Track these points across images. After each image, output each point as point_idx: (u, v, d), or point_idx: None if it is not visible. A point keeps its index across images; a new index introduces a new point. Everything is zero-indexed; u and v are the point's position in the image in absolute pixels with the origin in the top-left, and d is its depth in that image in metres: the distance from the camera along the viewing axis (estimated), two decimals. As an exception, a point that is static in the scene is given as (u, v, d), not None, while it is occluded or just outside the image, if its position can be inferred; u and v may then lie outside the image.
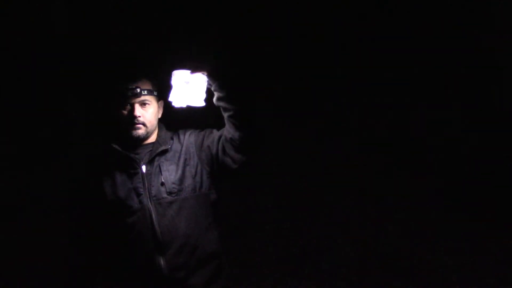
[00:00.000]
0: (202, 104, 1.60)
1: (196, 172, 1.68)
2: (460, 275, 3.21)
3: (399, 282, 3.17)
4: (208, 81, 1.59)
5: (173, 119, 1.78)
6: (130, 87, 1.64)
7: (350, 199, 4.06)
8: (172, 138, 1.74)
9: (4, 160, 3.73)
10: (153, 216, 1.61)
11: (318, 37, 4.00)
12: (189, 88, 1.57)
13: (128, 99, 1.64)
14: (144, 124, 1.66)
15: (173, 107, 1.63)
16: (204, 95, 1.60)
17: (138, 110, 1.65)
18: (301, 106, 4.30)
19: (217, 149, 1.66)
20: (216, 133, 1.70)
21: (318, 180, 4.16)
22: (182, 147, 1.71)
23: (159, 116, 1.75)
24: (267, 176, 4.06)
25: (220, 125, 1.69)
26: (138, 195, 1.63)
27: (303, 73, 4.15)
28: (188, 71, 1.56)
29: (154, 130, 1.73)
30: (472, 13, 4.06)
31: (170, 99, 1.61)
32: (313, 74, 4.20)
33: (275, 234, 3.76)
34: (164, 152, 1.69)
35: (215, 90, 1.59)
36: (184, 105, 1.60)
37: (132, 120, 1.65)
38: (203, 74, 1.57)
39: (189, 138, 1.73)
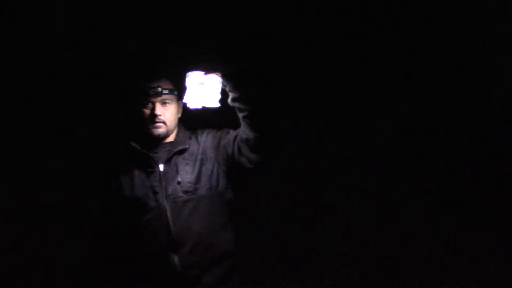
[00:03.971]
0: (217, 105, 1.62)
1: (212, 171, 1.71)
2: (460, 275, 3.21)
3: (399, 282, 3.18)
4: (222, 81, 1.60)
5: (193, 119, 1.81)
6: (152, 86, 1.69)
7: (350, 199, 4.06)
8: (190, 138, 1.78)
9: (6, 160, 3.79)
10: (168, 214, 1.64)
11: (327, 38, 4.05)
12: (204, 89, 1.58)
13: (149, 97, 1.69)
14: (164, 123, 1.71)
15: (188, 108, 1.67)
16: (218, 96, 1.61)
17: (159, 109, 1.70)
18: (301, 106, 4.31)
19: (233, 149, 1.69)
20: (232, 133, 1.72)
21: (318, 180, 4.16)
22: (199, 146, 1.74)
23: (179, 115, 1.79)
24: (267, 176, 4.06)
25: (237, 125, 1.71)
26: (155, 193, 1.67)
27: (303, 73, 4.15)
28: (202, 72, 1.58)
29: (174, 129, 1.77)
30: (472, 13, 4.07)
31: (185, 100, 1.63)
32: (312, 74, 4.20)
33: (275, 234, 3.77)
34: (182, 151, 1.72)
35: (229, 91, 1.61)
36: (199, 106, 1.62)
37: (153, 118, 1.69)
38: (217, 75, 1.58)
39: (206, 138, 1.76)
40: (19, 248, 3.46)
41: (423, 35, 4.15)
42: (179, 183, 1.67)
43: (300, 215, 3.95)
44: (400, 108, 4.28)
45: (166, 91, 1.70)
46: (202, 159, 1.71)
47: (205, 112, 1.67)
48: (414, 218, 3.85)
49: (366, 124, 4.28)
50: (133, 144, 1.71)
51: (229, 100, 1.62)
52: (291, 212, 3.98)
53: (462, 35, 4.12)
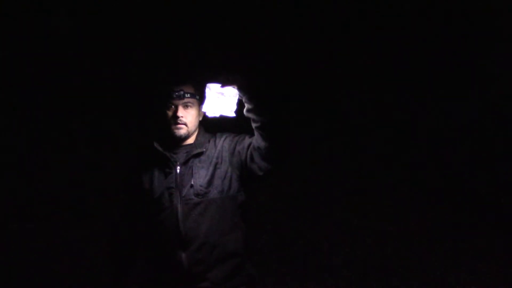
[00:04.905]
0: (233, 115, 1.72)
1: (225, 175, 1.80)
2: (459, 276, 3.22)
3: (399, 282, 3.18)
4: (239, 93, 1.70)
5: (213, 123, 1.89)
6: (175, 89, 1.80)
7: (350, 199, 4.07)
8: (209, 141, 1.87)
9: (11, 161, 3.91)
10: (179, 215, 1.74)
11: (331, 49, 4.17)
12: (222, 99, 1.70)
13: (172, 100, 1.80)
14: (186, 124, 1.81)
15: (207, 116, 1.77)
16: (235, 107, 1.72)
17: (181, 111, 1.80)
18: (301, 107, 4.31)
19: (246, 156, 1.77)
20: (247, 140, 1.81)
21: (318, 180, 4.17)
22: (216, 150, 1.84)
23: (200, 119, 1.88)
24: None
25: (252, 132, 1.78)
26: (170, 194, 1.77)
27: (306, 75, 4.17)
28: (219, 84, 1.68)
29: (194, 131, 1.87)
30: (471, 13, 4.08)
31: (203, 109, 1.73)
32: (313, 75, 4.21)
33: (275, 234, 3.77)
34: (199, 154, 1.82)
35: (245, 102, 1.70)
36: (216, 115, 1.72)
37: (175, 120, 1.80)
38: (234, 87, 1.68)
39: (224, 142, 1.85)
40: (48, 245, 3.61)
41: (422, 37, 4.16)
42: (192, 186, 1.76)
43: (300, 215, 3.96)
44: (400, 108, 4.29)
45: (188, 95, 1.81)
46: (216, 163, 1.80)
47: (224, 120, 1.77)
48: (414, 218, 3.85)
49: (366, 125, 4.29)
50: (156, 145, 1.82)
51: (244, 111, 1.71)
52: (291, 212, 3.98)
53: (462, 37, 4.13)
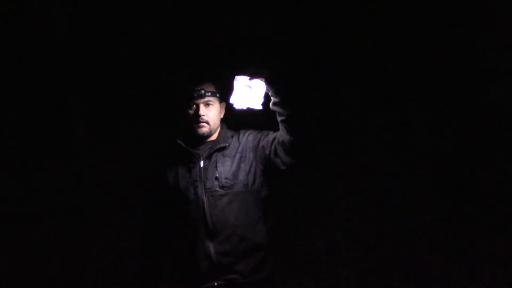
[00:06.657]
0: (260, 107, 1.77)
1: (250, 169, 1.84)
2: (460, 275, 3.22)
3: (399, 282, 3.19)
4: (266, 86, 1.75)
5: (235, 119, 1.96)
6: (196, 88, 1.84)
7: (350, 199, 4.06)
8: (232, 137, 1.92)
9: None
10: (205, 206, 1.78)
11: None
12: (249, 92, 1.75)
13: (193, 99, 1.85)
14: (207, 123, 1.86)
15: (234, 108, 1.82)
16: (262, 100, 1.77)
17: (203, 110, 1.85)
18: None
19: (270, 150, 1.82)
20: (271, 135, 1.85)
21: (318, 180, 4.16)
22: (239, 145, 1.88)
23: (222, 116, 1.94)
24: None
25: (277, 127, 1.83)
26: (195, 187, 1.82)
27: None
28: (248, 77, 1.73)
29: (217, 129, 1.92)
30: (471, 13, 4.08)
31: (231, 101, 1.78)
32: (316, 73, 4.21)
33: (276, 234, 3.76)
34: (222, 149, 1.87)
35: (271, 95, 1.74)
36: (244, 107, 1.77)
37: (197, 118, 1.85)
38: (261, 80, 1.72)
39: (247, 138, 1.90)
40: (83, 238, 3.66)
41: (421, 35, 4.16)
42: (216, 178, 1.80)
43: (300, 215, 3.95)
44: (400, 108, 4.29)
45: (209, 93, 1.85)
46: (241, 157, 1.85)
47: (249, 113, 1.82)
48: (414, 218, 3.85)
49: (366, 124, 4.29)
50: (179, 142, 1.87)
51: (270, 104, 1.76)
52: (291, 212, 3.97)
53: (461, 34, 4.13)
